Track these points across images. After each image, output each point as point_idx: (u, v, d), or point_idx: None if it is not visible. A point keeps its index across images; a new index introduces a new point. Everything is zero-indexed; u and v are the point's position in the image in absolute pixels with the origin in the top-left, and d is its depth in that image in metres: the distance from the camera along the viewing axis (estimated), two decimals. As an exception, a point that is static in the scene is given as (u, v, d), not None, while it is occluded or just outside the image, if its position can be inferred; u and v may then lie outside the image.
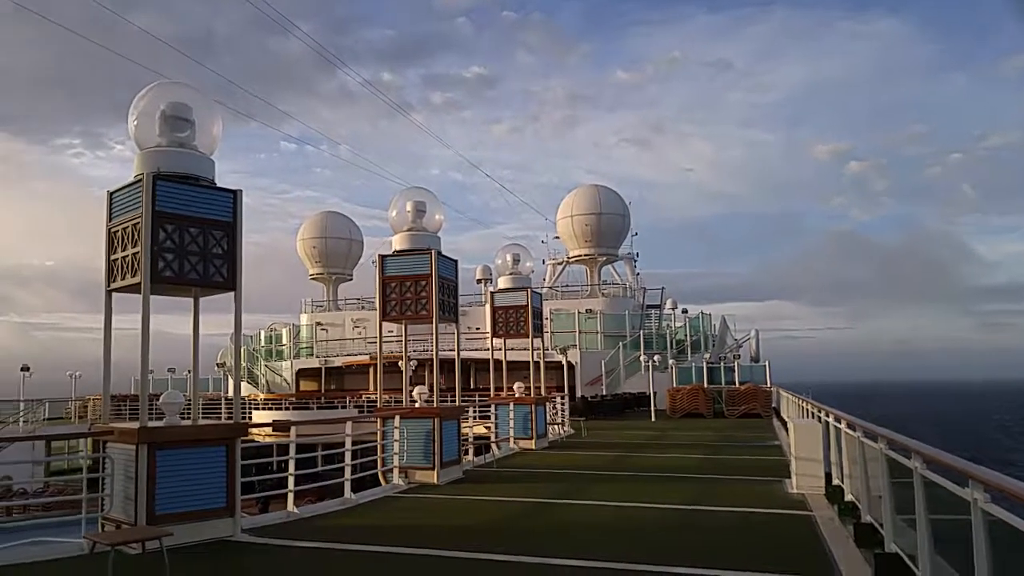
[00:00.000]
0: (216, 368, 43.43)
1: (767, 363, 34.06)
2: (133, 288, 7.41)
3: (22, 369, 34.76)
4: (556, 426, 20.66)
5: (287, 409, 34.15)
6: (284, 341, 46.50)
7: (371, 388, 37.66)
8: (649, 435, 21.22)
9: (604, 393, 33.84)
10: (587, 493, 10.78)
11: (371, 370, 39.02)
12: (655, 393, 29.07)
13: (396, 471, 11.39)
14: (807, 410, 14.15)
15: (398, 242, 12.16)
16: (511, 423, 17.03)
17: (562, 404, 21.83)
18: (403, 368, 12.79)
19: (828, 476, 10.01)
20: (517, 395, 17.68)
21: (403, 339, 12.90)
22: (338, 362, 41.60)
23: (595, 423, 23.86)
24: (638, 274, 48.25)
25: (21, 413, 33.67)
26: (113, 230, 7.67)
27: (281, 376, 43.98)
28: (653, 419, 27.28)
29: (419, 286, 11.75)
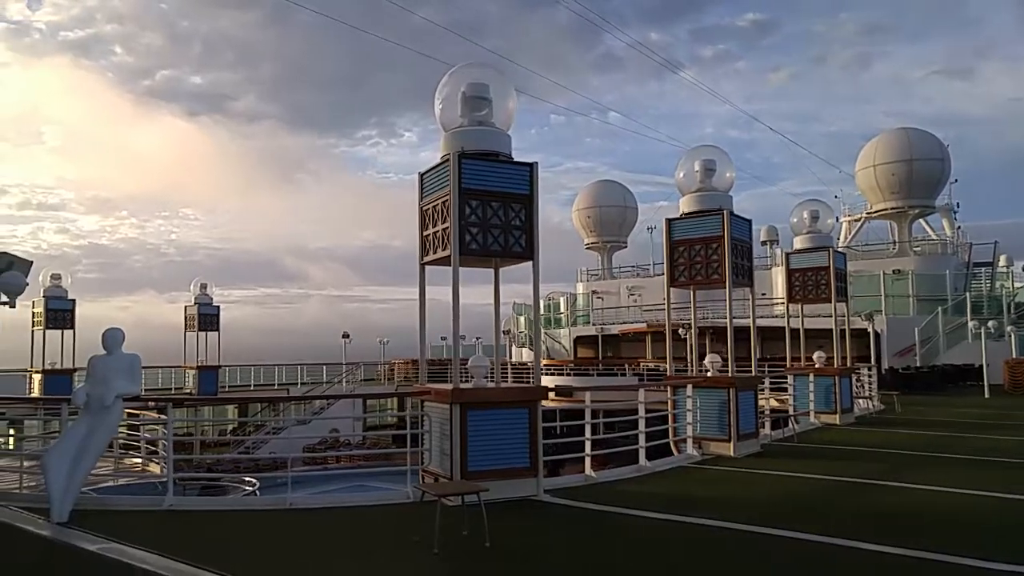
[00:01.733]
0: (503, 335, 46.64)
1: None
2: (444, 261, 7.92)
3: (343, 336, 39.73)
4: (863, 400, 18.55)
5: (568, 375, 35.33)
6: (562, 309, 48.37)
7: (647, 356, 37.48)
8: (984, 413, 18.03)
9: (918, 364, 29.69)
10: (910, 476, 9.36)
11: (647, 338, 38.78)
12: (988, 365, 24.71)
13: (690, 441, 11.05)
14: None
15: (686, 204, 11.65)
16: (811, 396, 15.63)
17: (870, 376, 19.52)
18: (691, 336, 12.34)
19: None
20: (818, 365, 16.17)
21: (691, 305, 12.44)
22: (614, 330, 42.05)
23: (909, 398, 20.97)
24: (958, 227, 41.24)
25: (344, 374, 39.13)
26: (424, 208, 8.30)
27: (560, 343, 45.82)
28: (986, 395, 23.24)
29: (710, 249, 11.14)
